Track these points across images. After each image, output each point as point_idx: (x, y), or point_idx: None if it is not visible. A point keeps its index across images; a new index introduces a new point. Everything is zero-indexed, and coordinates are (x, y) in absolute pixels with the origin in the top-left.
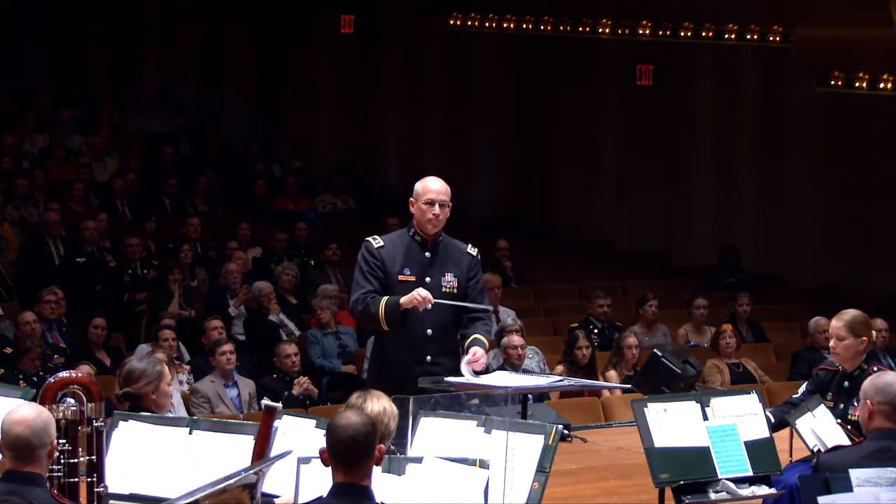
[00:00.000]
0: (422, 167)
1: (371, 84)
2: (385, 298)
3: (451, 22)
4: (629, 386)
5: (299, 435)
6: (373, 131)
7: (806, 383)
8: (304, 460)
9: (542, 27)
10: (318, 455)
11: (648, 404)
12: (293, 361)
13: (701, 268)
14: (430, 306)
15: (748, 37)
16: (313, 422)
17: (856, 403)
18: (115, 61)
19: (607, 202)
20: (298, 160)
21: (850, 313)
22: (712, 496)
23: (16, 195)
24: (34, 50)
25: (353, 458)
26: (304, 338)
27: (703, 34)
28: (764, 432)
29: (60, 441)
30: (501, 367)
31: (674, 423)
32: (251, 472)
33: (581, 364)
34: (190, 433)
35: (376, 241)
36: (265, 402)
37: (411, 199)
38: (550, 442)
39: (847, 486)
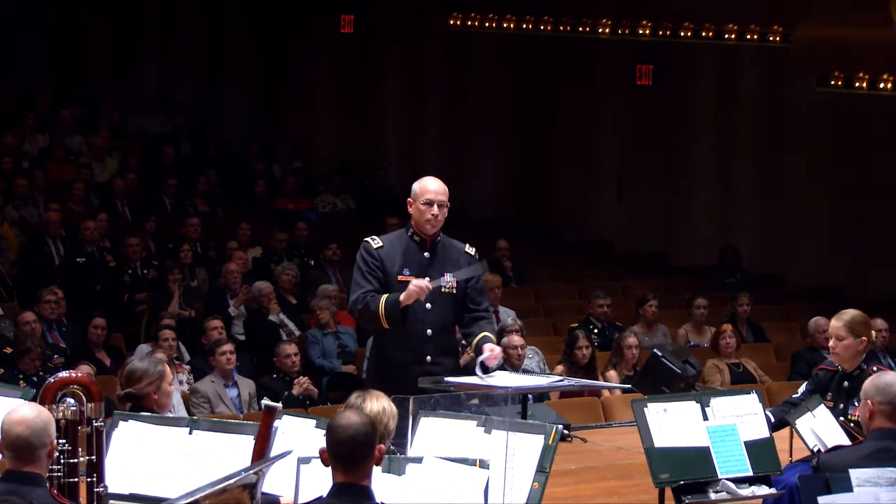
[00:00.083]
0: (422, 167)
1: (371, 84)
2: (385, 296)
3: (451, 22)
4: (629, 386)
5: (299, 435)
6: (373, 131)
7: (806, 383)
8: (304, 460)
9: (542, 27)
10: (318, 455)
11: (648, 404)
12: (293, 361)
13: (701, 268)
14: (430, 288)
15: (748, 37)
16: (313, 422)
17: (856, 403)
18: (115, 61)
19: (607, 202)
20: (298, 160)
21: (850, 313)
22: (712, 496)
23: (16, 195)
24: (34, 50)
25: (353, 458)
26: (304, 338)
27: (703, 34)
28: (764, 432)
29: (60, 441)
30: (501, 367)
31: (674, 423)
32: (251, 472)
33: (581, 364)
34: (190, 433)
35: (375, 242)
36: (265, 402)
37: (409, 199)
38: (550, 442)
39: (847, 486)
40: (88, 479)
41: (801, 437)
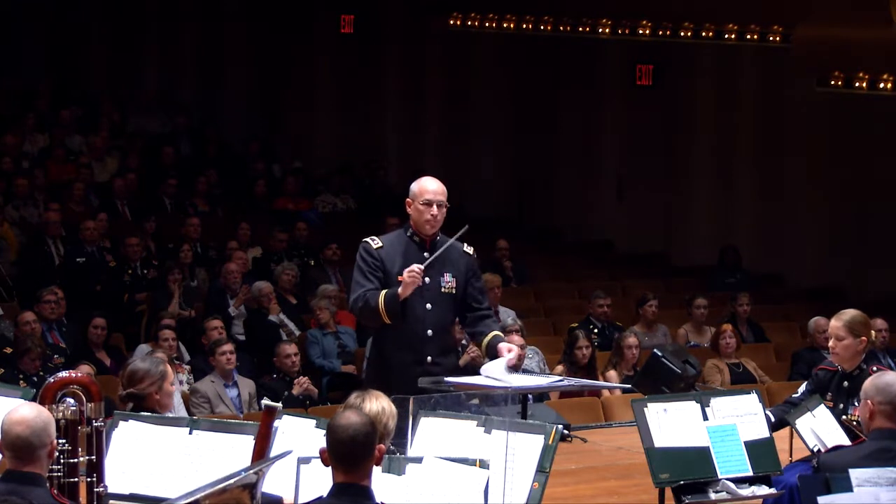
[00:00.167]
0: (422, 167)
1: (371, 84)
2: (384, 291)
3: (451, 22)
4: (629, 386)
5: (299, 435)
6: (373, 131)
7: (805, 383)
8: (304, 460)
9: (542, 27)
10: (318, 455)
11: (648, 404)
12: (293, 361)
13: (701, 268)
14: (427, 280)
15: (748, 37)
16: (313, 422)
17: (856, 403)
18: (115, 61)
19: (607, 202)
20: (298, 160)
21: (850, 313)
22: (712, 496)
23: (16, 195)
24: (34, 50)
25: (354, 458)
26: (304, 338)
27: (703, 34)
28: (764, 432)
29: (60, 441)
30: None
31: (674, 423)
32: (251, 472)
33: (581, 364)
34: (190, 433)
35: (375, 242)
36: (265, 402)
37: (408, 199)
38: (550, 442)
39: (847, 486)
40: (88, 479)
41: (801, 437)
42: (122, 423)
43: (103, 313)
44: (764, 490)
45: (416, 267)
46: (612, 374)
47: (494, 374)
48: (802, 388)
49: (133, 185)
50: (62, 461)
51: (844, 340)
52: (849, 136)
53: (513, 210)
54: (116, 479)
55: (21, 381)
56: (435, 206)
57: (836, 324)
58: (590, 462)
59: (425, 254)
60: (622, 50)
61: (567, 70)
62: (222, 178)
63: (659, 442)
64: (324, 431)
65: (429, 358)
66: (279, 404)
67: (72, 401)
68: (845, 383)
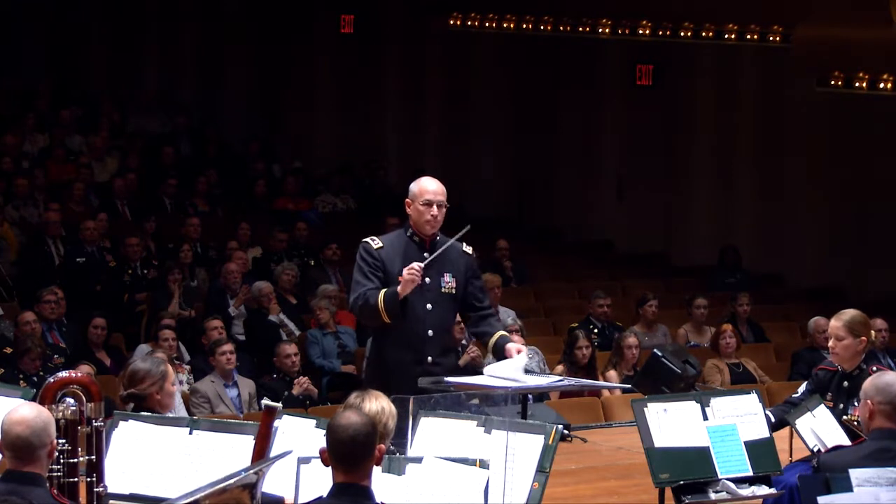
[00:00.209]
0: (422, 167)
1: (371, 84)
2: (384, 290)
3: (451, 22)
4: (629, 386)
5: (299, 435)
6: (373, 131)
7: (805, 383)
8: (304, 460)
9: (542, 27)
10: (318, 455)
11: (648, 404)
12: (293, 361)
13: (701, 268)
14: (427, 280)
15: (748, 37)
16: (313, 422)
17: (855, 403)
18: (115, 61)
19: (607, 202)
20: (298, 160)
21: (849, 313)
22: (712, 496)
23: (16, 195)
24: (34, 50)
25: (354, 458)
26: (304, 338)
27: (703, 34)
28: (764, 432)
29: (60, 441)
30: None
31: (674, 423)
32: (251, 471)
33: (581, 364)
34: (190, 433)
35: (375, 242)
36: (265, 402)
37: (407, 199)
38: (550, 442)
39: (847, 486)
40: (88, 479)
41: (801, 437)
42: (122, 423)
43: (103, 313)
44: (764, 490)
45: (415, 265)
46: (612, 374)
47: (509, 374)
48: (802, 388)
49: (133, 185)
50: (62, 461)
51: (844, 340)
52: (849, 136)
53: (513, 210)
54: (116, 479)
55: (21, 381)
56: (435, 207)
57: (835, 324)
58: (590, 462)
59: (425, 254)
60: (622, 50)
61: (567, 70)
62: (222, 178)
63: (659, 442)
64: (324, 431)
65: (429, 358)
66: (279, 404)
67: (72, 401)
68: (845, 383)
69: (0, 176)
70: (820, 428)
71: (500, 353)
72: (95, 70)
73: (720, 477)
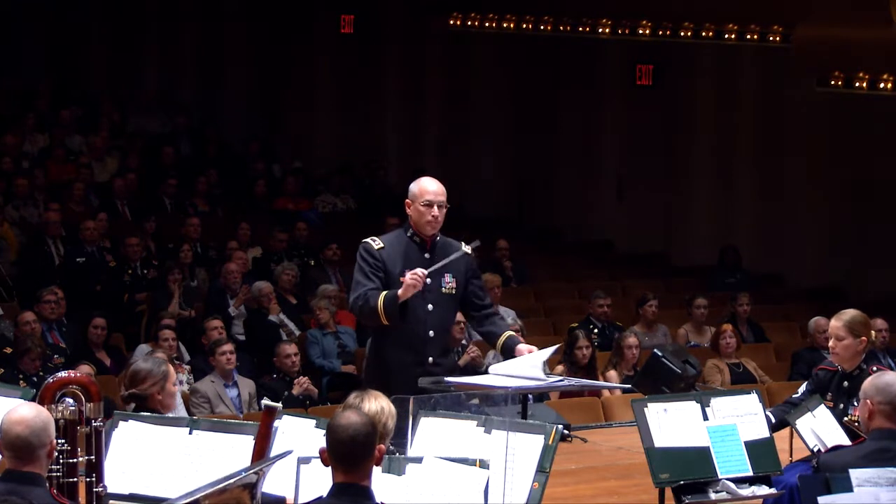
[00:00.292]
0: (422, 167)
1: (371, 84)
2: (384, 292)
3: (451, 22)
4: (629, 386)
5: (299, 435)
6: (373, 131)
7: (806, 383)
8: (304, 460)
9: (542, 27)
10: (318, 455)
11: (648, 404)
12: (293, 361)
13: (701, 268)
14: (428, 281)
15: (748, 37)
16: (313, 422)
17: (855, 403)
18: (115, 61)
19: (607, 202)
20: (298, 160)
21: (850, 313)
22: (712, 496)
23: (16, 195)
24: (34, 50)
25: (354, 458)
26: (304, 338)
27: (703, 34)
28: (764, 432)
29: (59, 441)
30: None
31: (674, 423)
32: (251, 471)
33: (581, 364)
34: (190, 433)
35: (376, 243)
36: (265, 402)
37: (407, 200)
38: (550, 442)
39: (847, 486)
40: (87, 479)
41: (801, 437)
42: (121, 423)
43: (103, 313)
44: (764, 490)
45: (419, 271)
46: (612, 374)
47: (529, 372)
48: (802, 388)
49: (133, 185)
50: (61, 461)
51: (844, 340)
52: (849, 136)
53: (513, 210)
54: (116, 479)
55: (21, 381)
56: (436, 208)
57: (836, 324)
58: (590, 462)
59: (425, 254)
60: (622, 50)
61: (567, 70)
62: (222, 178)
63: (659, 442)
64: (324, 431)
65: (430, 359)
66: (279, 404)
67: (71, 401)
68: (845, 383)
69: (0, 176)
70: (820, 428)
71: (510, 354)
72: (95, 70)
73: (720, 477)
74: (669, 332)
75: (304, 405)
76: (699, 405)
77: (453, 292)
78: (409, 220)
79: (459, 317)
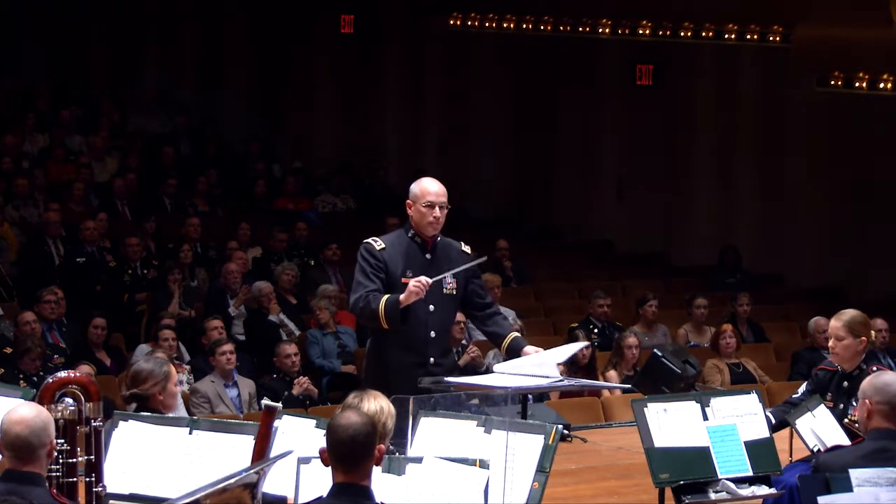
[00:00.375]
0: (422, 167)
1: (371, 84)
2: (386, 297)
3: (451, 22)
4: (629, 386)
5: (299, 435)
6: (373, 131)
7: (805, 383)
8: (304, 460)
9: (542, 27)
10: (318, 455)
11: (648, 404)
12: (293, 361)
13: (701, 268)
14: (429, 284)
15: (748, 37)
16: (313, 422)
17: (855, 403)
18: (115, 61)
19: (607, 202)
20: (298, 160)
21: (849, 313)
22: (712, 496)
23: (16, 195)
24: (34, 50)
25: (354, 458)
26: (304, 338)
27: (703, 34)
28: (764, 432)
29: (59, 441)
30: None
31: (674, 423)
32: (252, 471)
33: (581, 364)
34: (190, 433)
35: (378, 243)
36: (265, 402)
37: (408, 201)
38: (550, 442)
39: (847, 486)
40: (87, 479)
41: (801, 437)
42: (122, 423)
43: (103, 313)
44: (764, 490)
45: (424, 279)
46: (612, 374)
47: (543, 370)
48: (802, 388)
49: (133, 185)
50: (61, 461)
51: (844, 340)
52: (849, 136)
53: (513, 210)
54: (116, 479)
55: (21, 381)
56: (437, 209)
57: (835, 324)
58: (590, 462)
59: (426, 255)
60: (622, 50)
61: (567, 70)
62: (222, 178)
63: (659, 442)
64: (324, 431)
65: (431, 359)
66: (279, 404)
67: (70, 401)
68: (845, 383)
69: (0, 176)
70: (820, 428)
71: (515, 356)
72: (95, 70)
73: (720, 477)
74: (669, 332)
75: (304, 405)
76: (699, 405)
77: (454, 293)
78: (410, 221)
79: (460, 317)
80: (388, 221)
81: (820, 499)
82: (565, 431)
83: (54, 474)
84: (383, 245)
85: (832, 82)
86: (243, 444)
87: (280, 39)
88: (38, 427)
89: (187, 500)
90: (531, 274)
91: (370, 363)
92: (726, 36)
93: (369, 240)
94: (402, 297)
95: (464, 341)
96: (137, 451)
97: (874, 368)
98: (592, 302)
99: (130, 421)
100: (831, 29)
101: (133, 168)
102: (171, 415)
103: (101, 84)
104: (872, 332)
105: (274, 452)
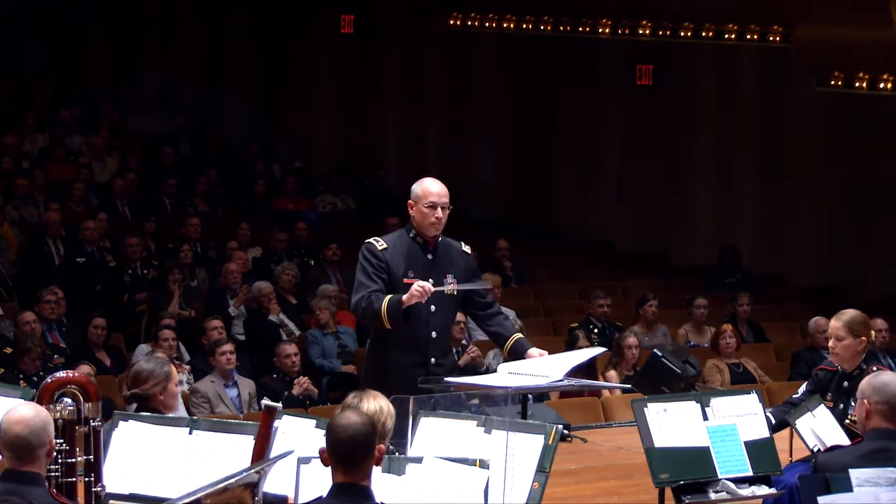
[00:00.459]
0: (422, 167)
1: (371, 84)
2: (388, 297)
3: (451, 22)
4: (629, 386)
5: (299, 435)
6: (373, 131)
7: (806, 383)
8: (304, 460)
9: (542, 27)
10: (318, 455)
11: (648, 404)
12: (293, 361)
13: (701, 268)
14: (432, 292)
15: (748, 37)
16: (313, 422)
17: (853, 403)
18: (115, 61)
19: (607, 202)
20: (298, 160)
21: (849, 313)
22: (712, 496)
23: (16, 195)
24: (34, 50)
25: (353, 458)
26: (304, 338)
27: (703, 34)
28: (764, 432)
29: (58, 441)
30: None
31: (674, 423)
32: (252, 471)
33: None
34: (190, 433)
35: (379, 244)
36: (265, 402)
37: (410, 201)
38: (550, 442)
39: (847, 486)
40: (86, 479)
41: (801, 437)
42: (121, 423)
43: (103, 313)
44: (764, 490)
45: (426, 285)
46: (612, 374)
47: (549, 372)
48: (802, 388)
49: (133, 185)
50: (60, 461)
51: (844, 340)
52: (849, 136)
53: (513, 210)
54: (116, 479)
55: (21, 381)
56: (439, 209)
57: (835, 324)
58: (590, 462)
59: (428, 255)
60: (622, 50)
61: (567, 70)
62: (222, 178)
63: (659, 442)
64: (324, 431)
65: (432, 360)
66: (279, 404)
67: (69, 401)
68: (845, 383)
69: (0, 176)
70: (820, 428)
71: (518, 358)
72: (95, 70)
73: (720, 477)
74: (669, 332)
75: (304, 405)
76: (699, 405)
77: (454, 293)
78: (412, 221)
79: (460, 317)
80: (388, 221)
81: (820, 499)
82: (565, 431)
83: (53, 474)
84: (385, 245)
85: (832, 82)
86: (243, 444)
87: (280, 39)
88: (37, 427)
89: (187, 500)
90: (531, 274)
91: (370, 363)
92: (726, 36)
93: (371, 240)
94: (404, 297)
95: (464, 341)
96: (137, 451)
97: (874, 368)
98: (592, 302)
99: (130, 421)
100: (831, 29)
101: (133, 168)
102: (171, 415)
103: (101, 84)
104: (872, 332)
105: (274, 452)
